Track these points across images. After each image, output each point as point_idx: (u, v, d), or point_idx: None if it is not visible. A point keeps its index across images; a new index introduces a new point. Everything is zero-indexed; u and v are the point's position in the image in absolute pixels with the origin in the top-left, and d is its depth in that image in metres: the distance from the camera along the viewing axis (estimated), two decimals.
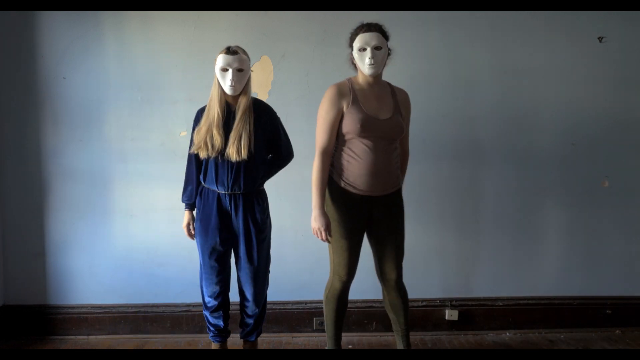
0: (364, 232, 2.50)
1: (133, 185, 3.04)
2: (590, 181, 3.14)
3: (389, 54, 2.39)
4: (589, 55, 3.06)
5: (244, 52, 2.40)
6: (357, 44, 2.33)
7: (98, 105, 3.00)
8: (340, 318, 2.57)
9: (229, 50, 2.37)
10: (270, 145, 2.54)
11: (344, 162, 2.40)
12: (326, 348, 2.64)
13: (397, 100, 2.43)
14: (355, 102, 2.36)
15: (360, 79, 2.41)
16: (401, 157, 2.54)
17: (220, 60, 2.36)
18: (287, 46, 2.99)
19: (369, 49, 2.30)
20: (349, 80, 2.42)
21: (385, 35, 2.35)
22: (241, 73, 2.37)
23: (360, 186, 2.37)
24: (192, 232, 2.57)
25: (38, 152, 3.02)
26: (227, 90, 2.38)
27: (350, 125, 2.34)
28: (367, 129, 2.33)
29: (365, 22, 2.36)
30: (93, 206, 3.05)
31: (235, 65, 2.35)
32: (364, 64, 2.32)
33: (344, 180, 2.40)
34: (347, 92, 2.37)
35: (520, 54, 3.04)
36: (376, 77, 2.38)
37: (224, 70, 2.36)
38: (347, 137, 2.38)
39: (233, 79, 2.35)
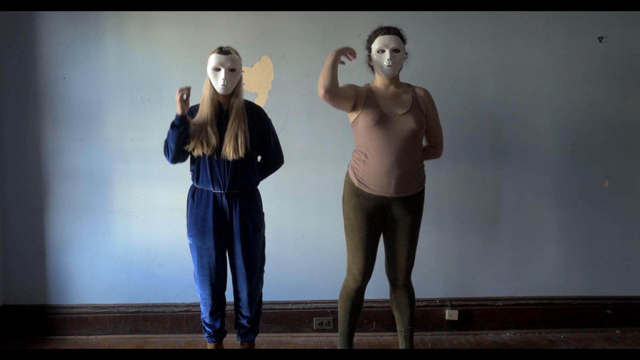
0: (380, 233, 2.51)
1: (133, 185, 3.04)
2: (590, 181, 3.15)
3: (405, 57, 2.44)
4: (589, 55, 3.07)
5: (236, 52, 2.42)
6: (375, 45, 2.37)
7: (98, 105, 3.01)
8: (353, 317, 2.58)
9: (222, 50, 2.38)
10: (260, 145, 2.54)
11: (360, 162, 2.41)
12: (337, 347, 2.66)
13: (417, 98, 2.45)
14: (370, 100, 2.38)
15: (378, 81, 2.45)
16: (429, 153, 2.55)
17: (213, 59, 2.37)
18: (287, 46, 2.99)
19: (387, 51, 2.35)
20: (367, 85, 2.46)
21: (403, 39, 2.41)
22: (233, 73, 2.38)
23: (374, 186, 2.38)
24: (184, 99, 2.35)
25: (38, 152, 3.02)
26: (219, 89, 2.39)
27: (364, 122, 2.35)
28: (381, 125, 2.34)
29: (384, 25, 2.42)
30: (93, 206, 3.05)
31: (228, 65, 2.36)
32: (382, 65, 2.36)
33: (359, 180, 2.41)
34: (363, 92, 2.41)
35: (520, 53, 3.04)
36: (393, 78, 2.43)
37: (217, 69, 2.37)
38: (362, 134, 2.38)
39: (225, 79, 2.36)
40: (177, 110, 2.34)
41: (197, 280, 2.54)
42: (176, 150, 2.40)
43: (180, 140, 2.37)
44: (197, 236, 2.48)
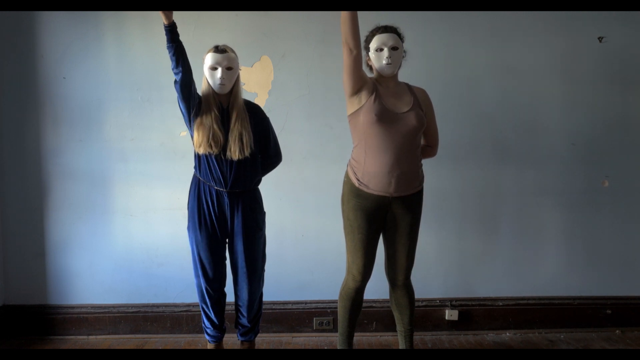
0: (379, 233, 2.50)
1: (133, 185, 3.04)
2: (590, 181, 3.15)
3: (403, 56, 2.43)
4: (588, 55, 3.07)
5: (232, 50, 2.41)
6: (374, 44, 2.37)
7: (98, 105, 3.01)
8: (353, 317, 2.58)
9: (218, 49, 2.38)
10: (260, 144, 2.54)
11: (360, 160, 2.39)
12: (337, 347, 2.65)
13: (416, 97, 2.45)
14: (376, 95, 2.36)
15: (378, 80, 2.44)
16: (426, 152, 2.55)
17: (209, 58, 2.37)
18: (287, 46, 2.99)
19: (386, 49, 2.35)
20: (371, 78, 2.45)
21: (400, 37, 2.40)
22: (230, 71, 2.38)
23: (375, 186, 2.37)
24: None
25: (38, 152, 3.02)
26: (217, 88, 2.39)
27: (367, 117, 2.33)
28: (383, 121, 2.32)
29: (381, 25, 2.41)
30: (93, 206, 3.05)
31: (225, 63, 2.36)
32: (381, 63, 2.36)
33: (359, 180, 2.40)
34: (370, 82, 2.40)
35: (521, 53, 3.04)
36: (393, 77, 2.42)
37: (213, 68, 2.37)
38: (362, 129, 2.36)
39: (222, 77, 2.36)
40: (164, 20, 2.27)
41: (197, 274, 2.54)
42: (178, 69, 2.31)
43: (178, 54, 2.29)
44: (197, 228, 2.48)
